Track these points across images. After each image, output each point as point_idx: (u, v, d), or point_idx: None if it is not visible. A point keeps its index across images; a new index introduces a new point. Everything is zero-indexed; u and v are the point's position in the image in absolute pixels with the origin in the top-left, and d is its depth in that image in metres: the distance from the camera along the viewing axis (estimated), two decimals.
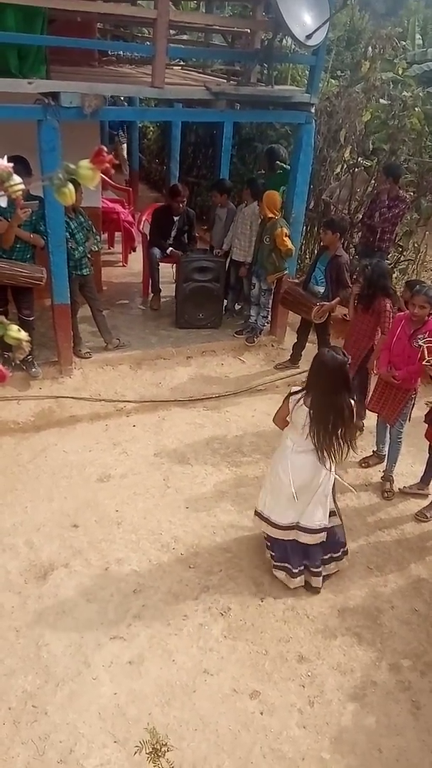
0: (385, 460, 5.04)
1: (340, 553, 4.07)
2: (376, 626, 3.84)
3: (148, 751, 2.70)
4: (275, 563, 4.01)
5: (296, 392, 3.69)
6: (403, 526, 4.63)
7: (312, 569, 3.97)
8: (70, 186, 1.19)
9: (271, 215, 6.13)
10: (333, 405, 3.54)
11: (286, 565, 3.96)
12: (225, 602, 3.87)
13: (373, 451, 5.25)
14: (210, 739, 3.14)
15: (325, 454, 3.61)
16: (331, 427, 3.55)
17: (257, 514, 4.00)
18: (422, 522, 4.65)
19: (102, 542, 4.22)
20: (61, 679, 3.34)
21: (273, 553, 4.01)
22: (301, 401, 3.62)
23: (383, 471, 5.03)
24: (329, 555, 4.02)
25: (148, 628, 3.66)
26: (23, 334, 1.28)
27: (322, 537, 3.88)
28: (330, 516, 3.92)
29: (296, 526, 3.86)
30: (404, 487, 4.97)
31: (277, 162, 7.18)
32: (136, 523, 4.41)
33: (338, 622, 3.84)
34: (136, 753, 2.78)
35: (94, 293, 6.18)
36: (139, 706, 3.25)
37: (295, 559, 3.93)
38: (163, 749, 2.72)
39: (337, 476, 3.85)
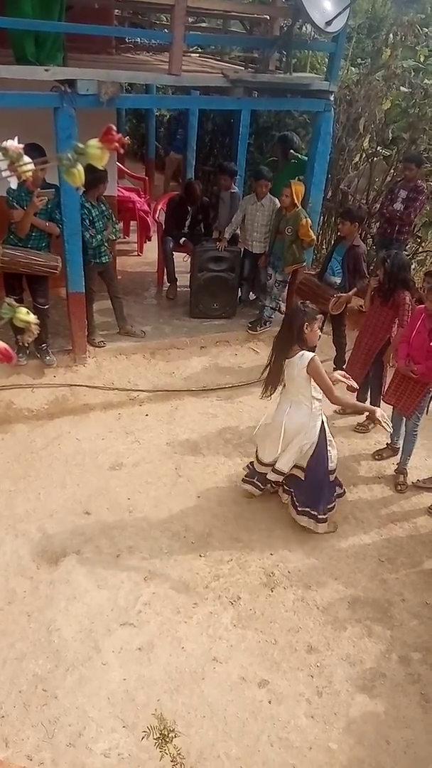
0: (400, 453, 5.00)
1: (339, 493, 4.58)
2: (386, 618, 3.83)
3: (155, 737, 2.73)
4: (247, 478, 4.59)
5: None
6: (416, 520, 4.60)
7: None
8: (80, 166, 1.18)
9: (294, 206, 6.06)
10: (279, 344, 4.22)
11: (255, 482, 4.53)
12: (235, 591, 3.88)
13: (388, 444, 5.22)
14: (218, 727, 3.16)
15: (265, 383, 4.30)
16: (272, 362, 4.25)
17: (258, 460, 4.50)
18: None
19: (113, 529, 4.25)
20: (71, 663, 3.38)
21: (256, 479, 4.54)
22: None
23: (397, 464, 4.99)
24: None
25: (158, 616, 3.68)
26: (32, 317, 1.28)
27: (279, 478, 4.41)
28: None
29: (272, 466, 4.36)
30: (418, 480, 4.94)
31: (291, 151, 7.10)
32: (148, 512, 4.43)
33: (348, 613, 3.84)
34: (144, 738, 2.81)
35: (113, 279, 6.21)
36: (148, 692, 3.28)
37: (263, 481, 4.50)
38: (170, 735, 2.75)
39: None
